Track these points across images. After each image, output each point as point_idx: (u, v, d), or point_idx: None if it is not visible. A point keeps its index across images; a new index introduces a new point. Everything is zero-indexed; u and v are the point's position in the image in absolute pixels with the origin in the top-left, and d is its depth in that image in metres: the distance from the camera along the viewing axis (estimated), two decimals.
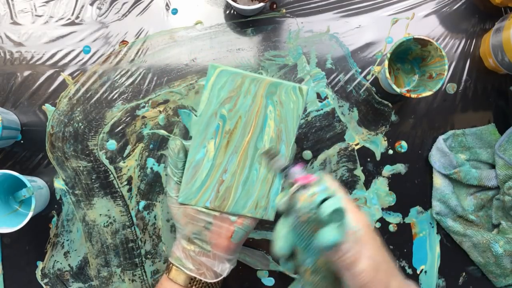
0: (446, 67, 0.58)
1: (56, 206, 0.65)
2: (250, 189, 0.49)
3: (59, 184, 0.65)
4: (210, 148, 0.49)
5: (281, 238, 0.43)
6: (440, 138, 0.65)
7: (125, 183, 0.65)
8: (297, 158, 0.65)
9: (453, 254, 0.66)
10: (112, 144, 0.65)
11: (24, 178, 0.57)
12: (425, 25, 0.66)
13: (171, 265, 0.51)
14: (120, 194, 0.65)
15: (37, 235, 0.65)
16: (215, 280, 0.51)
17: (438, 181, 0.65)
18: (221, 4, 0.66)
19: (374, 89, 0.66)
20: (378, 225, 0.66)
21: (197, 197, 0.49)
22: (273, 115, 0.49)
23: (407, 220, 0.66)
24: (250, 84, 0.48)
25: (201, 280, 0.50)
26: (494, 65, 0.64)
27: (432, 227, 0.66)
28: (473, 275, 0.67)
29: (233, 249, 0.51)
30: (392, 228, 0.66)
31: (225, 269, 0.51)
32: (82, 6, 0.65)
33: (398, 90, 0.58)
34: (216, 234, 0.50)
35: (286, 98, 0.49)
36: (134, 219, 0.65)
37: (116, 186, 0.65)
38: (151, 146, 0.64)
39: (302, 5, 0.66)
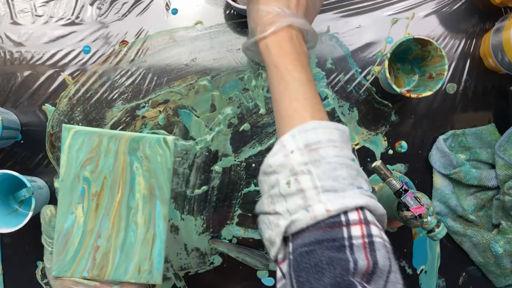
0: (446, 67, 0.58)
1: (56, 206, 0.65)
2: (129, 253, 0.46)
3: (59, 184, 0.65)
4: (78, 214, 0.45)
5: None
6: (440, 138, 0.65)
7: None
8: None
9: (453, 254, 0.66)
10: None
11: (24, 178, 0.57)
12: (425, 25, 0.66)
13: None
14: None
15: (37, 235, 0.65)
16: None
17: (438, 181, 0.65)
18: (221, 4, 0.66)
19: (374, 89, 0.66)
20: None
21: (72, 267, 0.45)
22: (141, 172, 0.45)
23: None
24: (108, 142, 0.45)
25: None
26: (494, 65, 0.64)
27: None
28: (473, 275, 0.67)
29: None
30: (392, 228, 0.66)
31: None
32: (82, 6, 0.65)
33: (398, 90, 0.58)
34: None
35: (152, 152, 0.45)
36: None
37: None
38: None
39: None
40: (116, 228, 0.46)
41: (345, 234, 0.34)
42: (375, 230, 0.35)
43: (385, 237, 0.36)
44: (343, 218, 0.34)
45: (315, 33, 0.47)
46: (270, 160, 0.38)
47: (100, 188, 0.45)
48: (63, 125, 0.45)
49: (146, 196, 0.46)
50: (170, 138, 0.46)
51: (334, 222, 0.34)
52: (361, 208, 0.35)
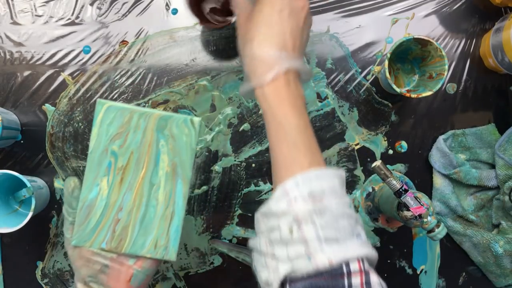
0: (446, 67, 0.58)
1: (56, 206, 0.65)
2: (148, 227, 0.47)
3: (59, 184, 0.65)
4: (103, 186, 0.46)
5: None
6: (440, 138, 0.65)
7: None
8: None
9: (453, 254, 0.66)
10: None
11: (24, 178, 0.57)
12: (425, 25, 0.66)
13: None
14: None
15: (37, 235, 0.65)
16: None
17: (438, 181, 0.65)
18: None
19: (374, 89, 0.66)
20: None
21: (91, 238, 0.46)
22: (166, 149, 0.47)
23: None
24: (139, 119, 0.46)
25: None
26: (494, 65, 0.64)
27: None
28: (473, 275, 0.67)
29: None
30: (392, 228, 0.66)
31: None
32: (82, 6, 0.65)
33: (398, 90, 0.58)
34: (113, 278, 0.46)
35: (178, 131, 0.47)
36: None
37: None
38: None
39: None
40: (137, 203, 0.47)
41: (346, 283, 0.35)
42: (374, 278, 0.36)
43: (383, 284, 0.37)
44: (344, 268, 0.35)
45: (310, 70, 0.47)
46: (273, 206, 0.39)
47: (126, 163, 0.47)
48: (98, 99, 0.46)
49: (169, 173, 0.47)
50: (197, 119, 0.47)
51: (336, 273, 0.35)
52: (361, 258, 0.37)
